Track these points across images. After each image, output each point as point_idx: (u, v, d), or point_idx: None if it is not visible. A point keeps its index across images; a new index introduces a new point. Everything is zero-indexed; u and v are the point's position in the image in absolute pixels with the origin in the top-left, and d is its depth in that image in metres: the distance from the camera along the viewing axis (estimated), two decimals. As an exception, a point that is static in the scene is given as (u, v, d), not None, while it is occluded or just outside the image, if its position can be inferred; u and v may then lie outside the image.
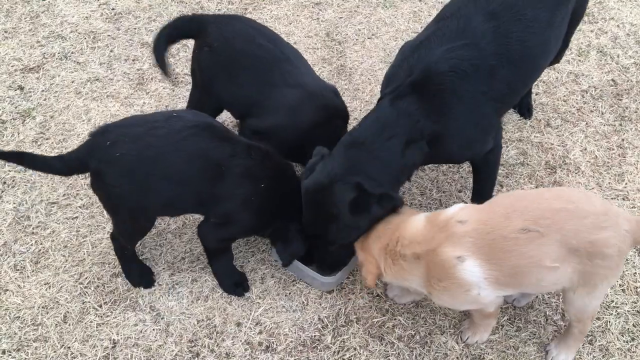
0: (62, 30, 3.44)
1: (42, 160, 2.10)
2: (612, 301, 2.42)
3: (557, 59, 2.73)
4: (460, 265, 1.90)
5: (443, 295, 2.00)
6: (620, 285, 2.47)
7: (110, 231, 2.35)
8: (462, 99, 2.09)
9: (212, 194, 2.13)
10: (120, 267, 2.41)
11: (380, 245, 2.07)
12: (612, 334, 2.32)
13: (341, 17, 3.63)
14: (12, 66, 3.22)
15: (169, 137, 2.04)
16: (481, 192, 2.52)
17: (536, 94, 3.21)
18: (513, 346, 2.28)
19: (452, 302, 2.07)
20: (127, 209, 2.12)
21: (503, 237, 1.88)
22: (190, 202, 2.18)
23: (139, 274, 2.38)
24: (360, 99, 3.17)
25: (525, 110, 3.09)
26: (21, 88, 3.11)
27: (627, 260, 2.55)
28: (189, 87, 3.14)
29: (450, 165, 2.88)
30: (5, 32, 3.40)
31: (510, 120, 3.10)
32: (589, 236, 1.85)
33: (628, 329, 2.34)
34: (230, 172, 2.10)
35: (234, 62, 2.44)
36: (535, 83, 3.22)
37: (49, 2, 3.60)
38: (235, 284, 2.38)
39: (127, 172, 2.03)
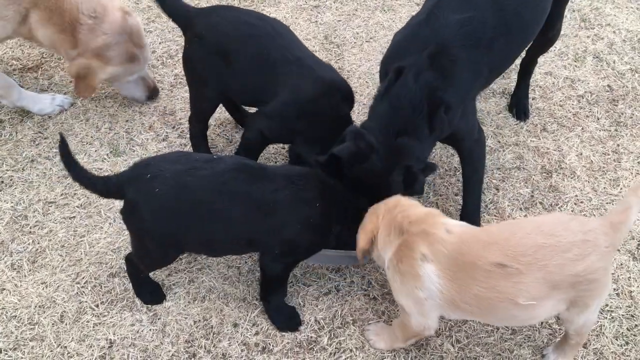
0: (60, 30, 3.44)
1: (88, 177, 2.08)
2: (607, 305, 2.43)
3: (554, 34, 2.85)
4: (422, 262, 1.92)
5: (396, 276, 2.00)
6: (615, 289, 2.49)
7: (128, 253, 2.30)
8: (470, 71, 2.23)
9: (264, 231, 2.10)
10: (116, 267, 2.43)
11: (389, 215, 2.08)
12: (607, 337, 2.34)
13: (339, 20, 3.65)
14: (10, 65, 3.22)
15: (209, 179, 2.03)
16: (470, 191, 2.55)
17: (532, 99, 3.23)
18: (508, 349, 2.29)
19: (399, 288, 2.03)
20: (156, 243, 2.10)
21: (474, 264, 1.85)
22: (236, 243, 2.16)
23: (150, 292, 2.36)
24: (358, 101, 3.17)
25: (521, 113, 3.11)
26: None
27: (621, 264, 2.57)
28: (187, 88, 3.16)
29: (447, 168, 2.90)
30: None
31: (507, 124, 3.12)
32: (573, 269, 1.81)
33: (622, 332, 2.36)
34: (280, 204, 2.08)
35: (227, 47, 2.42)
36: (532, 88, 3.24)
37: None
38: (289, 317, 2.34)
39: (163, 208, 2.02)
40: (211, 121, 2.99)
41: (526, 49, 3.04)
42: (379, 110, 2.22)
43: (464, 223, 2.07)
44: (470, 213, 2.56)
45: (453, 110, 2.23)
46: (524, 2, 2.32)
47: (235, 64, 2.42)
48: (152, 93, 3.06)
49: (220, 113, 3.02)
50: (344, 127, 2.28)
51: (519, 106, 3.13)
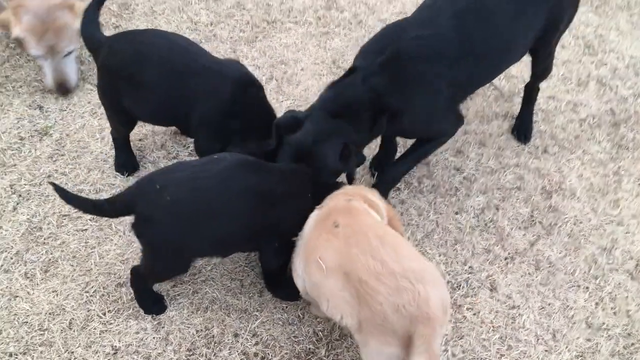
0: (80, 54, 3.60)
1: (91, 204, 2.21)
2: (604, 323, 2.46)
3: (544, 69, 3.01)
4: (315, 210, 2.21)
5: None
6: (612, 308, 2.52)
7: (134, 265, 2.38)
8: (423, 82, 2.40)
9: (267, 223, 2.22)
10: (124, 278, 2.52)
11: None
12: (603, 355, 2.36)
13: (347, 46, 3.78)
14: (32, 87, 3.39)
15: (213, 179, 2.14)
16: (404, 160, 2.76)
17: (534, 122, 3.29)
18: (503, 364, 2.33)
19: None
20: (174, 251, 2.18)
21: (327, 219, 2.07)
22: (242, 238, 2.27)
23: (152, 302, 2.44)
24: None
25: (522, 135, 3.18)
26: (40, 107, 3.27)
27: (619, 283, 2.60)
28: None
29: (448, 188, 2.96)
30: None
31: (508, 146, 3.18)
32: (363, 274, 1.86)
33: (618, 350, 2.38)
34: (280, 197, 2.22)
35: (130, 70, 2.50)
36: (535, 111, 3.30)
37: (70, 28, 3.79)
38: (291, 292, 2.43)
39: (177, 215, 2.09)
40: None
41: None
42: (323, 95, 2.44)
43: (376, 213, 2.22)
44: (394, 170, 2.78)
45: (402, 115, 2.41)
46: (491, 31, 2.46)
47: (141, 86, 2.51)
48: (58, 86, 3.29)
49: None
50: (268, 114, 2.52)
51: (520, 129, 3.20)
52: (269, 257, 2.37)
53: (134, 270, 2.35)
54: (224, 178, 2.15)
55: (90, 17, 2.66)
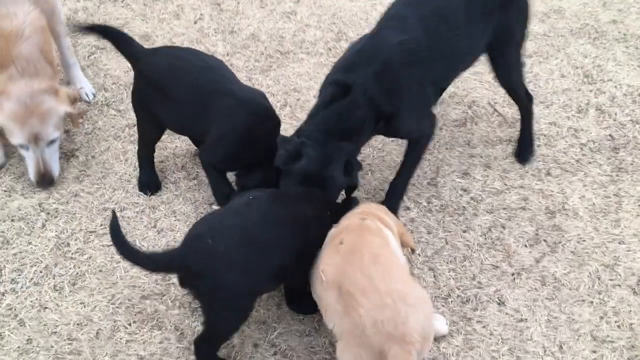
0: (105, 82, 3.79)
1: (136, 254, 2.19)
2: (608, 336, 2.56)
3: (509, 87, 3.18)
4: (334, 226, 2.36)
5: None
6: (615, 321, 2.62)
7: (195, 337, 2.36)
8: (412, 85, 2.62)
9: (303, 246, 2.31)
10: (148, 290, 2.65)
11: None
12: (608, 366, 2.46)
13: (357, 75, 3.96)
14: (59, 112, 3.56)
15: (259, 216, 2.25)
16: (405, 164, 2.94)
17: (537, 146, 3.44)
18: (512, 373, 2.42)
19: None
20: (234, 299, 2.20)
21: (337, 237, 2.22)
22: (291, 265, 2.29)
23: None
24: (373, 146, 3.43)
25: (522, 158, 3.33)
26: (67, 132, 3.43)
27: (622, 298, 2.70)
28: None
29: (456, 207, 3.10)
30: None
31: (513, 169, 3.32)
32: (351, 287, 1.99)
33: (623, 362, 2.48)
34: (310, 220, 2.36)
35: (162, 80, 2.71)
36: (537, 136, 3.45)
37: (94, 57, 3.98)
38: (308, 306, 2.50)
39: (235, 263, 2.13)
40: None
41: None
42: (324, 116, 2.54)
43: (384, 230, 2.34)
44: (398, 184, 2.96)
45: (400, 119, 2.63)
46: (455, 32, 2.71)
47: (170, 96, 2.70)
48: (41, 178, 3.03)
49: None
50: (275, 149, 2.61)
51: (520, 151, 3.35)
52: (300, 276, 2.42)
53: (198, 341, 2.32)
54: (265, 212, 2.28)
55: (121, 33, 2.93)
